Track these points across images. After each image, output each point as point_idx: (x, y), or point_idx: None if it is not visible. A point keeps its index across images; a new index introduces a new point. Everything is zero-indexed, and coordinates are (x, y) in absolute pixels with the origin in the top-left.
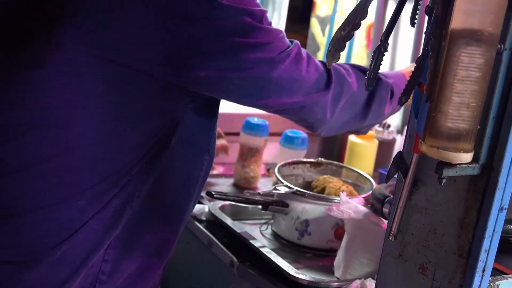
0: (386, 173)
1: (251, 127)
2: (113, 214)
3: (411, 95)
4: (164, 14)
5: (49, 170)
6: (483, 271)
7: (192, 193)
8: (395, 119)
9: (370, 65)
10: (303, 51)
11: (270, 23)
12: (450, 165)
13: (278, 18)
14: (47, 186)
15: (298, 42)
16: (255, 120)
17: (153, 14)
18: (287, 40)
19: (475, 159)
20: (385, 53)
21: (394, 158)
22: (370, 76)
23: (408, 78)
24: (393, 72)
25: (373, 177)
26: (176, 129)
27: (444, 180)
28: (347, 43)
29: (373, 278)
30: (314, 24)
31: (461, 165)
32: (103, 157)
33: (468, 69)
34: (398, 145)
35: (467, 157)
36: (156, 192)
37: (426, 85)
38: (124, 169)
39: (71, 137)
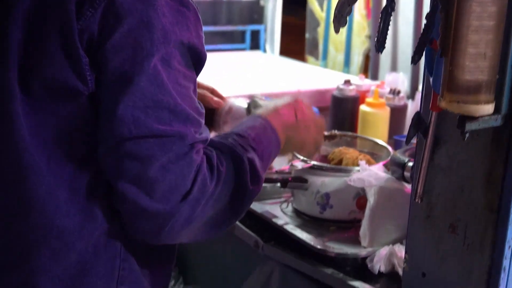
0: (401, 139)
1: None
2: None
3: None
4: None
5: None
6: None
7: None
8: (404, 85)
9: (379, 26)
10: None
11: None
12: (472, 118)
13: (274, 1)
14: None
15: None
16: (263, 99)
17: None
18: None
19: (496, 110)
20: (392, 13)
21: (412, 119)
22: (380, 39)
23: (273, 122)
24: (255, 132)
25: (388, 145)
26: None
27: (467, 135)
28: None
29: (401, 243)
30: (312, 0)
31: (483, 118)
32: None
33: (481, 19)
34: (410, 111)
35: (489, 108)
36: None
37: (439, 39)
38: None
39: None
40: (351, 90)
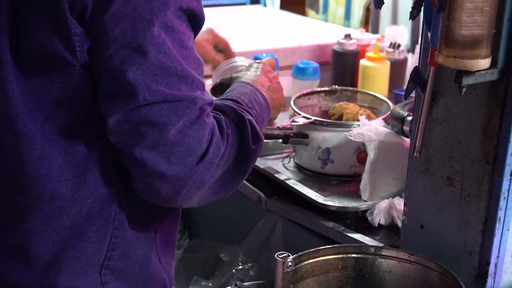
0: (401, 93)
1: None
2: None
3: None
4: None
5: None
6: (511, 175)
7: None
8: (404, 38)
9: None
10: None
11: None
12: (469, 73)
13: None
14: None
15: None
16: (264, 56)
17: None
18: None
19: (493, 64)
20: None
21: (411, 73)
22: None
23: (259, 88)
24: (248, 98)
25: (388, 99)
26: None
27: (464, 89)
28: None
29: (400, 197)
30: None
31: (479, 72)
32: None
33: None
34: (410, 64)
35: (485, 63)
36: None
37: None
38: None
39: None
40: (351, 45)
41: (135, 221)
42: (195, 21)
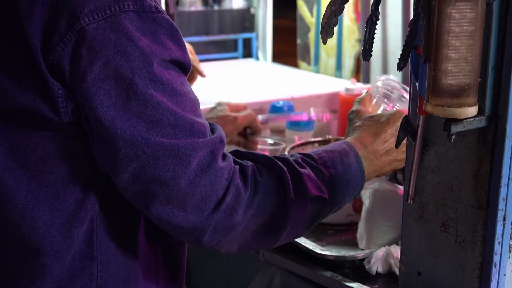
0: None
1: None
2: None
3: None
4: None
5: None
6: (504, 219)
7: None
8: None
9: (365, 35)
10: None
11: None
12: (457, 121)
13: (264, 5)
14: None
15: (219, 136)
16: (280, 104)
17: None
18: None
19: (480, 112)
20: (377, 22)
21: (401, 122)
22: (366, 47)
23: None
24: (329, 156)
25: None
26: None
27: (453, 137)
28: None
29: (397, 244)
30: (301, 6)
31: (467, 120)
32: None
33: (460, 25)
34: None
35: (472, 110)
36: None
37: (422, 46)
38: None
39: None
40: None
41: (123, 278)
42: (182, 69)
